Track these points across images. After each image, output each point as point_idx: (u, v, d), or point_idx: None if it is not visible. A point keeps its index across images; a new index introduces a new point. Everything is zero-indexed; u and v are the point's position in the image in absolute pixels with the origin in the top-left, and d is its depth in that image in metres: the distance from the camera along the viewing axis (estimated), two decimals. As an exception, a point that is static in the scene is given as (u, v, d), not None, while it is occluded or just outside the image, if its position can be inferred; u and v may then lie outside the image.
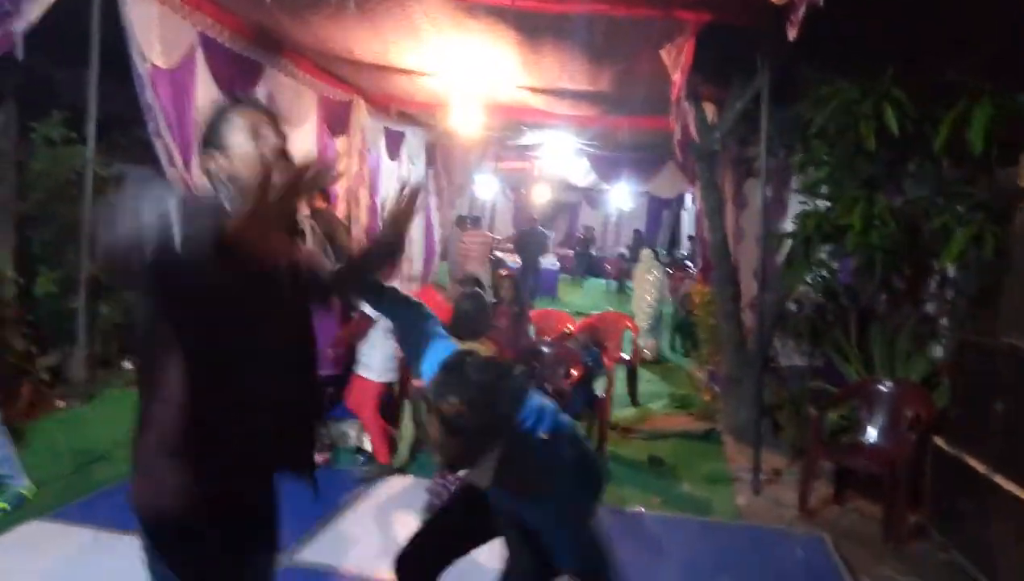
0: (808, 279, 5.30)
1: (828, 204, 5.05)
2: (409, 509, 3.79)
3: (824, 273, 5.31)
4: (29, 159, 4.93)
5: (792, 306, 5.68)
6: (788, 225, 5.56)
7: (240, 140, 1.60)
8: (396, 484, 4.41)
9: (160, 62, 5.24)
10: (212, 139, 1.62)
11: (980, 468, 3.56)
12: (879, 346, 4.90)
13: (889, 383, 4.44)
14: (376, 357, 4.54)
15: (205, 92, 5.86)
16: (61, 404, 4.88)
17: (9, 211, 4.76)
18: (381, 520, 3.95)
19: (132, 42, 4.94)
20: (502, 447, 1.77)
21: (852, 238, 4.66)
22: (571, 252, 19.47)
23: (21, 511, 3.62)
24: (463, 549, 2.21)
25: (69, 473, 4.13)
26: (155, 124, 5.30)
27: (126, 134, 5.84)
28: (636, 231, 20.61)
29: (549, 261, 15.07)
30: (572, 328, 6.28)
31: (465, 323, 3.74)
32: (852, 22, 4.43)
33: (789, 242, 5.24)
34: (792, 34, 3.69)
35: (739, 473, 4.87)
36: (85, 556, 3.28)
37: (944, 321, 4.86)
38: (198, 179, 5.89)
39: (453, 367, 1.79)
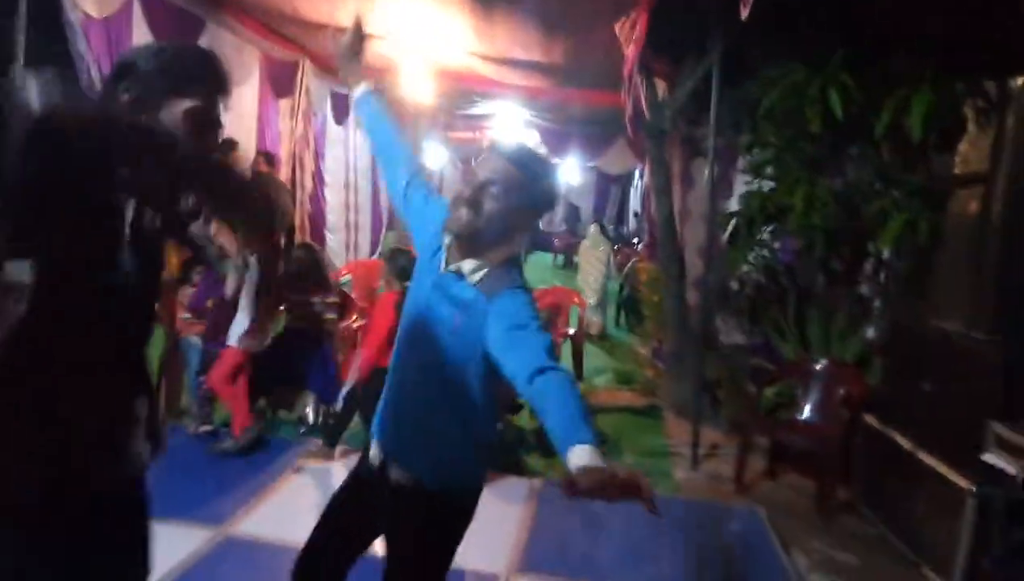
0: (751, 258, 5.40)
1: (772, 185, 5.14)
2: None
3: (766, 253, 5.42)
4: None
5: (735, 285, 5.79)
6: (734, 205, 5.64)
7: (180, 122, 1.39)
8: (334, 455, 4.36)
9: (93, 11, 4.97)
10: (143, 97, 1.39)
11: (906, 446, 3.71)
12: (816, 326, 5.04)
13: (824, 362, 4.57)
14: (237, 325, 4.30)
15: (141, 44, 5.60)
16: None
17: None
18: (318, 491, 3.90)
19: (62, -12, 4.67)
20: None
21: (794, 219, 4.75)
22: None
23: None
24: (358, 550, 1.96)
25: None
26: (87, 76, 5.04)
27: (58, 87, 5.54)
28: (571, 205, 20.66)
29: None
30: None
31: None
32: (803, 3, 4.48)
33: (734, 221, 5.32)
34: (744, 13, 3.70)
35: (678, 448, 4.97)
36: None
37: (878, 303, 5.01)
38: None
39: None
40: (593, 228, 9.69)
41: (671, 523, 3.91)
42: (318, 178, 9.25)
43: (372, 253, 11.05)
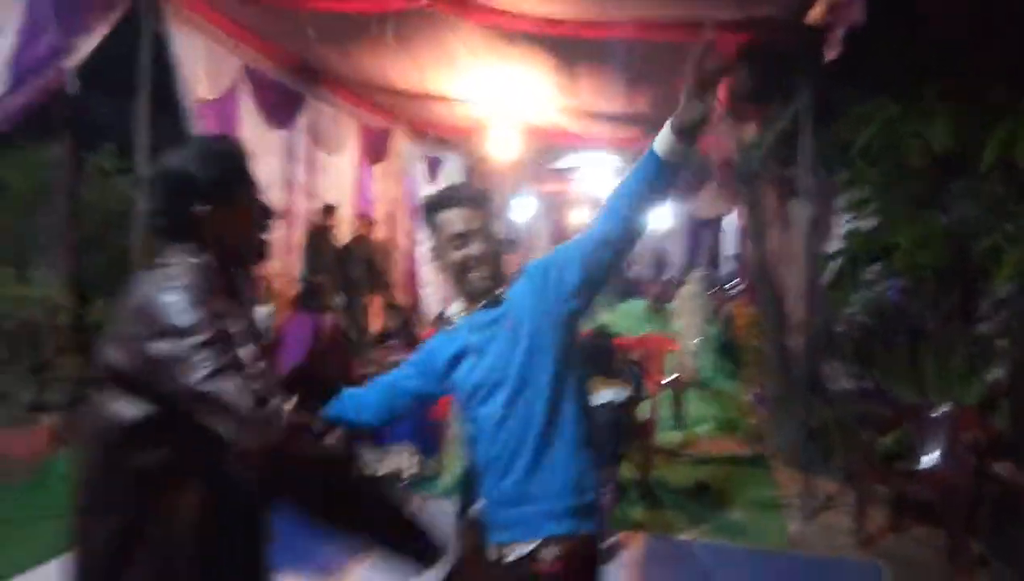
0: (855, 300, 5.19)
1: (874, 223, 4.95)
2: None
3: (872, 293, 5.19)
4: (82, 189, 5.09)
5: (839, 327, 5.56)
6: (834, 245, 5.46)
7: (254, 205, 1.57)
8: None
9: (206, 93, 5.40)
10: (221, 198, 1.50)
11: (1044, 495, 3.42)
12: (931, 368, 4.76)
13: (945, 406, 4.30)
14: None
15: (249, 121, 6.02)
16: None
17: (64, 240, 4.91)
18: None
19: (179, 75, 5.10)
20: None
21: (900, 257, 4.56)
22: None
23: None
24: None
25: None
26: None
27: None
28: (658, 250, 20.41)
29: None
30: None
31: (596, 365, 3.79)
32: (893, 40, 4.38)
33: (835, 262, 5.14)
34: (831, 55, 3.65)
35: (789, 499, 4.75)
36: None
37: (1003, 342, 4.70)
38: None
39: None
40: (695, 273, 9.48)
41: (786, 579, 3.73)
42: (410, 237, 9.56)
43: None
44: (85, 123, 5.12)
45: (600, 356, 3.91)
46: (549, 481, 1.73)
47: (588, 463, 1.77)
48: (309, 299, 4.33)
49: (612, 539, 4.06)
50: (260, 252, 1.61)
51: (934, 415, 4.27)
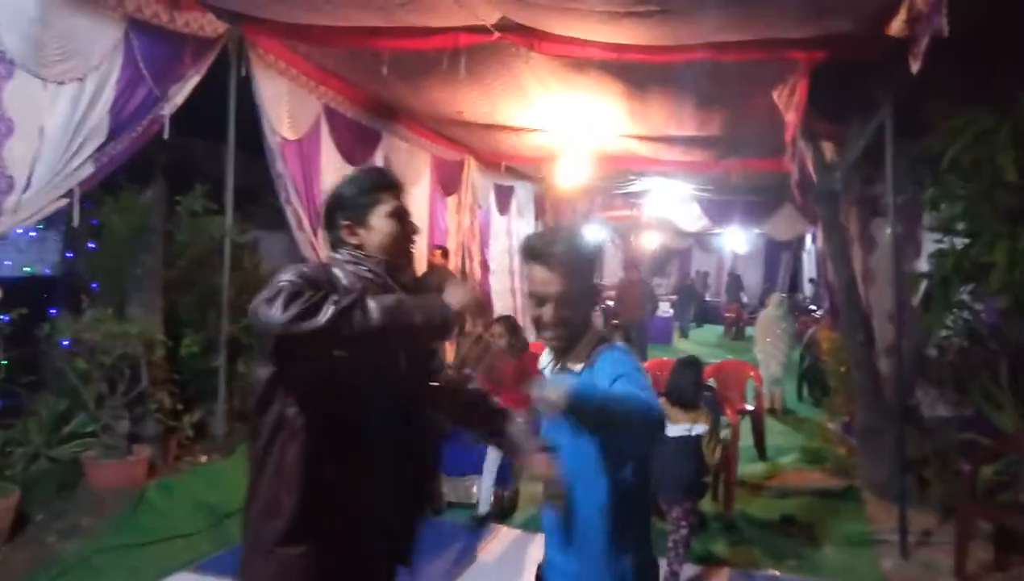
0: (949, 322, 4.93)
1: (966, 241, 4.71)
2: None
3: (967, 315, 4.92)
4: (175, 230, 5.36)
5: (933, 351, 5.29)
6: (923, 265, 5.23)
7: (386, 221, 1.84)
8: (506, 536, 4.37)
9: (289, 134, 5.63)
10: (357, 216, 1.83)
11: None
12: (1036, 393, 4.47)
13: (1053, 434, 4.03)
14: None
15: (329, 160, 6.23)
16: (204, 459, 5.17)
17: (159, 279, 5.17)
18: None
19: (264, 117, 5.35)
20: None
21: (996, 276, 4.31)
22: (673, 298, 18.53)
23: (169, 562, 3.83)
24: None
25: (211, 525, 4.34)
26: (285, 193, 5.68)
27: (259, 203, 6.26)
28: (733, 275, 19.90)
29: (662, 308, 14.72)
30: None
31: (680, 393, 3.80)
32: (979, 49, 4.19)
33: (925, 283, 4.91)
34: (915, 67, 3.52)
35: (883, 534, 4.51)
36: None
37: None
38: (324, 244, 6.24)
39: None
40: (776, 297, 9.16)
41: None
42: (483, 266, 9.66)
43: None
44: (177, 166, 5.41)
45: (686, 386, 3.84)
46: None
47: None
48: None
49: (693, 573, 3.95)
50: (399, 264, 1.88)
51: (1042, 444, 4.01)
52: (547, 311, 1.78)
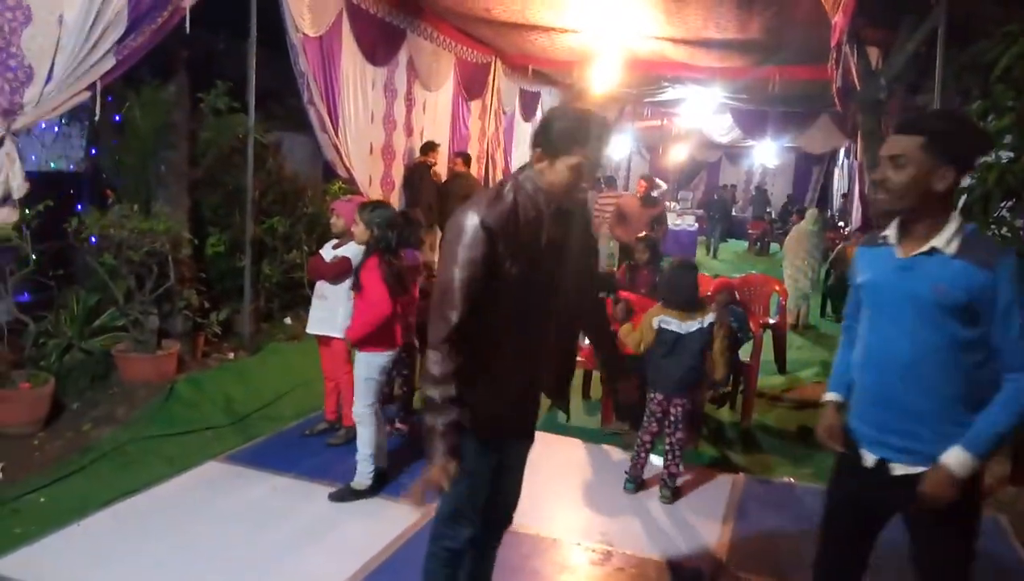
0: (986, 239, 4.81)
1: (1011, 155, 4.53)
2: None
3: (1005, 230, 4.78)
4: (198, 128, 5.30)
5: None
6: (964, 180, 5.04)
7: (570, 173, 1.92)
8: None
9: (310, 30, 5.46)
10: (550, 150, 1.92)
11: None
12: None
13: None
14: (341, 315, 3.97)
15: (349, 59, 6.07)
16: (231, 355, 5.28)
17: (184, 177, 5.15)
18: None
19: (286, 12, 5.18)
20: None
21: (1041, 192, 4.16)
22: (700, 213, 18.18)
23: (200, 452, 3.97)
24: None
25: (239, 420, 4.48)
26: (308, 93, 5.57)
27: (282, 103, 6.15)
28: (759, 189, 19.47)
29: (687, 221, 14.49)
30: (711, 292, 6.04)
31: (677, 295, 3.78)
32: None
33: (964, 197, 4.75)
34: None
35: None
36: (255, 495, 3.55)
37: None
38: (349, 143, 6.15)
39: None
40: (811, 212, 8.92)
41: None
42: (506, 174, 9.52)
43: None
44: (199, 63, 5.29)
45: (682, 289, 3.81)
46: None
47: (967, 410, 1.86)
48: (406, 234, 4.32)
49: (707, 477, 4.03)
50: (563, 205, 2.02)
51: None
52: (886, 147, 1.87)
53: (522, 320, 1.97)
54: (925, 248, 1.81)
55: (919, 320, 1.83)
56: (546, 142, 1.93)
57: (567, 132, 1.91)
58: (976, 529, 1.91)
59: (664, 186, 13.21)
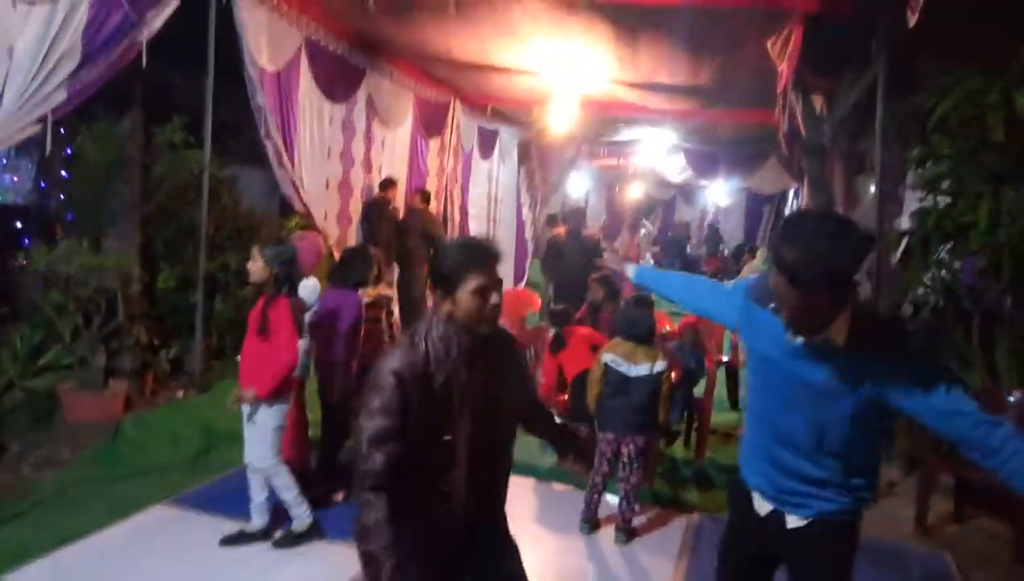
0: (926, 280, 5.00)
1: (949, 200, 4.74)
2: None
3: (944, 273, 4.98)
4: (152, 163, 5.23)
5: (908, 308, 5.37)
6: (904, 223, 5.25)
7: (472, 299, 1.90)
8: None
9: (268, 66, 5.46)
10: (447, 287, 1.92)
11: None
12: (1006, 353, 4.56)
13: (1019, 393, 4.13)
14: None
15: (308, 95, 6.08)
16: (180, 394, 5.16)
17: (136, 212, 5.07)
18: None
19: (244, 46, 5.18)
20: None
21: (977, 236, 4.35)
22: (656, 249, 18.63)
23: (145, 494, 3.85)
24: None
25: (187, 460, 4.36)
26: (265, 127, 5.54)
27: (238, 137, 6.12)
28: (711, 227, 19.96)
29: (646, 258, 14.75)
30: (669, 328, 6.14)
31: (634, 329, 3.82)
32: (974, 8, 4.14)
33: (906, 240, 4.95)
34: (912, 20, 3.48)
35: (848, 483, 4.64)
36: (202, 541, 3.45)
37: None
38: (306, 178, 6.13)
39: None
40: (761, 251, 9.21)
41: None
42: (463, 211, 9.58)
43: (517, 282, 11.24)
44: (155, 96, 5.24)
45: (640, 323, 3.87)
46: None
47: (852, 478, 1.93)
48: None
49: (662, 517, 4.05)
50: (481, 333, 2.00)
51: (1006, 402, 4.11)
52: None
53: (447, 458, 1.94)
54: (818, 339, 1.76)
55: (813, 405, 1.82)
56: (440, 279, 1.93)
57: (456, 262, 1.91)
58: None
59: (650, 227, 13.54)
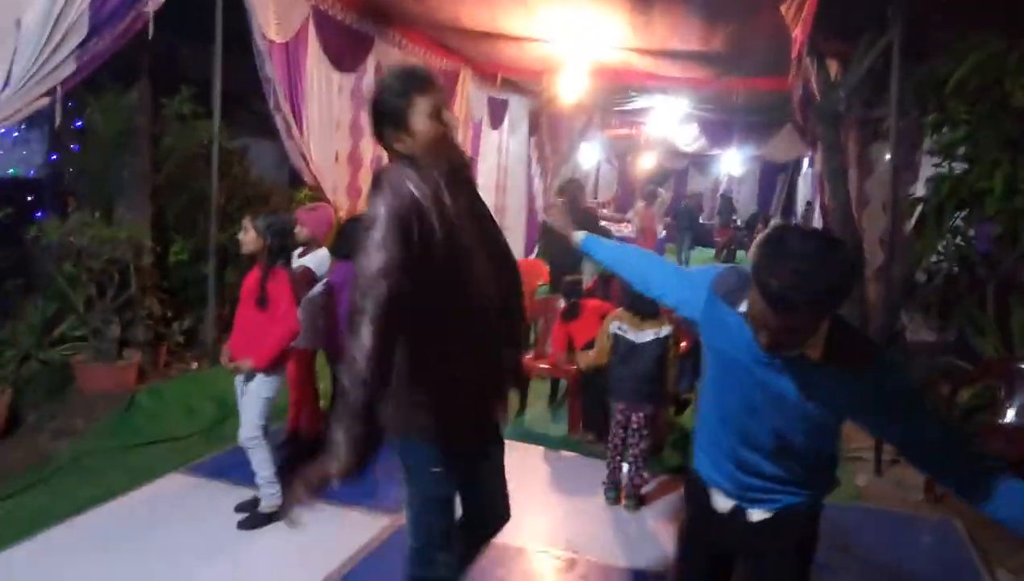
0: (940, 247, 4.95)
1: (965, 167, 4.67)
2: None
3: (959, 240, 4.93)
4: (162, 133, 5.23)
5: (922, 277, 5.33)
6: (918, 190, 5.19)
7: (430, 123, 1.81)
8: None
9: (276, 37, 5.42)
10: (399, 122, 1.81)
11: None
12: (1020, 320, 4.53)
13: (1034, 361, 4.10)
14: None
15: (316, 65, 6.03)
16: (194, 365, 5.22)
17: (146, 183, 5.08)
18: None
19: (252, 17, 5.14)
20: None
21: (992, 203, 4.31)
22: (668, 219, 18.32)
23: (160, 463, 3.90)
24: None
25: (202, 430, 4.42)
26: (274, 98, 5.52)
27: (248, 108, 6.10)
28: (723, 197, 19.75)
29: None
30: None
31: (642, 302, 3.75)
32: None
33: (920, 208, 4.89)
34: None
35: (859, 452, 4.63)
36: (217, 508, 3.50)
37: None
38: (315, 150, 6.11)
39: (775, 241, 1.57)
40: (775, 222, 9.17)
41: (855, 533, 3.67)
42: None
43: (528, 253, 11.19)
44: (163, 68, 5.23)
45: (646, 299, 3.86)
46: None
47: (815, 476, 1.88)
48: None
49: (667, 484, 4.07)
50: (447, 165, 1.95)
51: (1019, 369, 4.08)
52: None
53: (461, 298, 1.85)
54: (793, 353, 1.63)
55: (780, 415, 1.72)
56: (390, 116, 1.82)
57: (400, 91, 1.81)
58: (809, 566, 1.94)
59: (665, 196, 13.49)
